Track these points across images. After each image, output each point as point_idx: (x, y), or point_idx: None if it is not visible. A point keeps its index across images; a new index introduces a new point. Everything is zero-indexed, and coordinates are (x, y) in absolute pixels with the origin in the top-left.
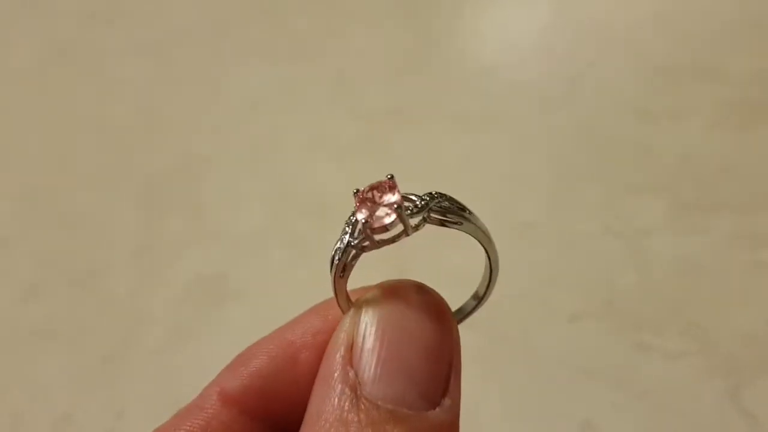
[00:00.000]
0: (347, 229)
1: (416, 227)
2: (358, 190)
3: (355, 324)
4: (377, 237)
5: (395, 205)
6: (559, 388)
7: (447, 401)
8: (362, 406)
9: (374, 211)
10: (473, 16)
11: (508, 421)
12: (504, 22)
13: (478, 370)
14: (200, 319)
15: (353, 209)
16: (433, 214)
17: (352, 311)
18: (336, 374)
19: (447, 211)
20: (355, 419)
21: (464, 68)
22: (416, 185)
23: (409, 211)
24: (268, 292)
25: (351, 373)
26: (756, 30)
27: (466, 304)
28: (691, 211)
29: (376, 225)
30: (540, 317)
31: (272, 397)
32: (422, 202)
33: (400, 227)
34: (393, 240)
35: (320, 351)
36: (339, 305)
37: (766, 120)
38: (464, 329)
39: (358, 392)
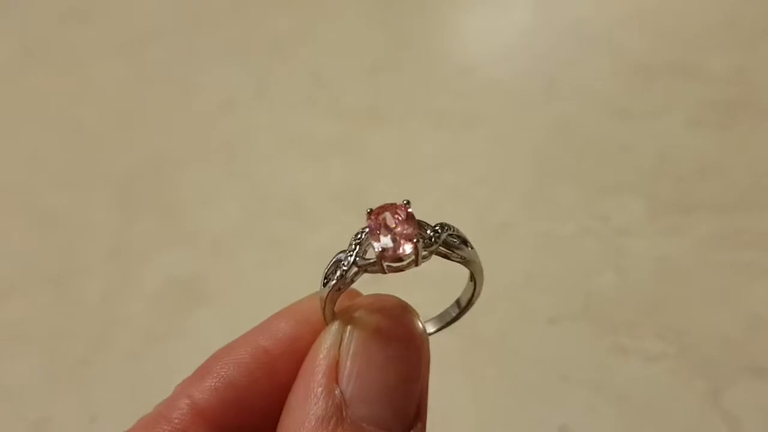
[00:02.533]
0: (353, 245)
1: (425, 257)
2: (371, 210)
3: (340, 341)
4: (387, 264)
5: (414, 239)
6: (536, 392)
7: (419, 424)
8: (347, 427)
9: (392, 240)
10: (451, 15)
11: (483, 426)
12: (482, 21)
13: (453, 373)
14: (175, 322)
15: (364, 226)
16: (442, 248)
17: (335, 326)
18: (320, 390)
19: (456, 247)
20: None
21: (442, 67)
22: (393, 185)
23: (422, 243)
24: (244, 294)
25: (337, 392)
26: (735, 28)
27: (447, 311)
28: (670, 211)
29: (392, 255)
30: (517, 319)
31: (247, 410)
32: (435, 235)
33: (411, 257)
34: (401, 269)
35: (299, 362)
36: (324, 315)
37: (746, 119)
38: (440, 332)
39: (344, 413)
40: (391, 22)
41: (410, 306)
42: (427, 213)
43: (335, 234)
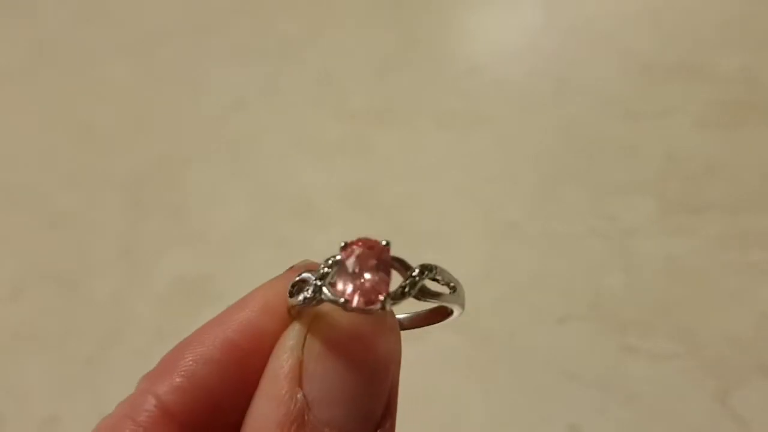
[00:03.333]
0: (323, 269)
1: (393, 304)
2: (346, 244)
3: (302, 341)
4: (350, 307)
5: (380, 294)
6: (545, 391)
7: (387, 422)
8: (309, 430)
9: (356, 289)
10: (460, 15)
11: (492, 426)
12: (491, 21)
13: (462, 373)
14: (183, 321)
15: (336, 254)
16: (416, 297)
17: (298, 325)
18: (282, 393)
19: (432, 295)
20: None
21: (450, 68)
22: (401, 184)
23: (389, 300)
24: None
25: (300, 395)
26: (744, 29)
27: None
28: (679, 212)
29: (355, 306)
30: (526, 319)
31: (218, 407)
32: (410, 283)
33: (376, 306)
34: (364, 312)
35: (268, 357)
36: (288, 312)
37: (754, 119)
38: (448, 331)
39: (306, 417)
40: (400, 23)
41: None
42: (435, 212)
43: (343, 233)
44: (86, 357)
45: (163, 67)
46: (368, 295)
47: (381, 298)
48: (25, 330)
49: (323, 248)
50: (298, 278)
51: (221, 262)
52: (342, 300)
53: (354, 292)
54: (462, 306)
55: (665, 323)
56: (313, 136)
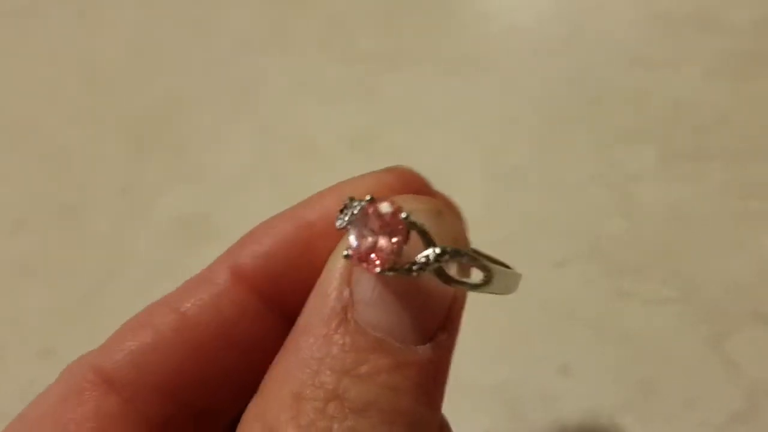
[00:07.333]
0: (350, 210)
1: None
2: (372, 199)
3: None
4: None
5: (377, 268)
6: (539, 331)
7: (443, 335)
8: (350, 329)
9: (363, 249)
10: None
11: (484, 364)
12: None
13: None
14: (182, 258)
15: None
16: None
17: None
18: (332, 289)
19: (457, 282)
20: (340, 342)
21: (460, 13)
22: (405, 128)
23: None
24: None
25: (346, 292)
26: None
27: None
28: (682, 160)
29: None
30: (524, 261)
31: (286, 282)
32: (419, 266)
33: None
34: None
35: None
36: None
37: (764, 71)
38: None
39: (349, 314)
40: None
41: (451, 204)
42: (438, 156)
43: (344, 175)
44: (84, 291)
45: (170, 7)
46: (365, 259)
47: (377, 269)
48: (24, 263)
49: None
50: (346, 202)
51: (221, 202)
52: (345, 253)
53: (356, 252)
54: (503, 292)
55: (663, 269)
56: (318, 79)
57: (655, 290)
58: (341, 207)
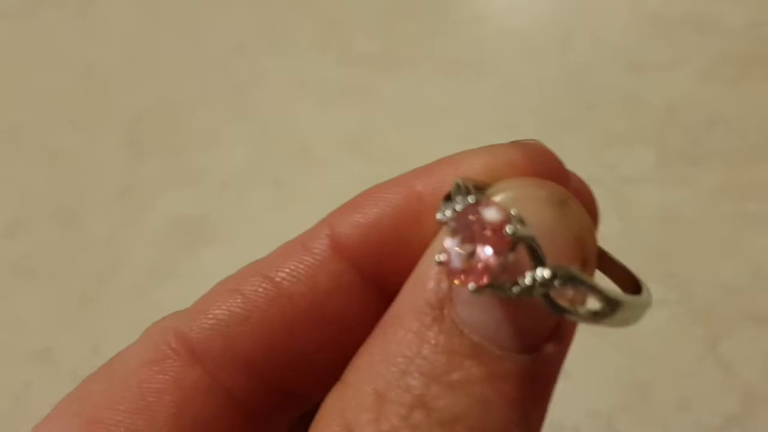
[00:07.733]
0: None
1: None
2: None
3: None
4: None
5: (471, 286)
6: None
7: (551, 346)
8: (445, 328)
9: (462, 261)
10: None
11: None
12: None
13: None
14: (179, 260)
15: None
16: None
17: None
18: (429, 279)
19: (569, 312)
20: (433, 341)
21: (456, 15)
22: (402, 131)
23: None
24: (248, 235)
25: (444, 284)
26: None
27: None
28: (678, 162)
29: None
30: None
31: (389, 257)
32: (520, 291)
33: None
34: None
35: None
36: None
37: (759, 73)
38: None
39: (446, 310)
40: None
41: (571, 196)
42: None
43: (341, 177)
44: (81, 293)
45: (168, 9)
46: (459, 271)
47: (470, 286)
48: (22, 264)
49: (321, 191)
50: (451, 190)
51: (218, 204)
52: (438, 258)
53: (449, 260)
54: (621, 325)
55: (659, 271)
56: (314, 81)
57: (652, 292)
58: (447, 193)
